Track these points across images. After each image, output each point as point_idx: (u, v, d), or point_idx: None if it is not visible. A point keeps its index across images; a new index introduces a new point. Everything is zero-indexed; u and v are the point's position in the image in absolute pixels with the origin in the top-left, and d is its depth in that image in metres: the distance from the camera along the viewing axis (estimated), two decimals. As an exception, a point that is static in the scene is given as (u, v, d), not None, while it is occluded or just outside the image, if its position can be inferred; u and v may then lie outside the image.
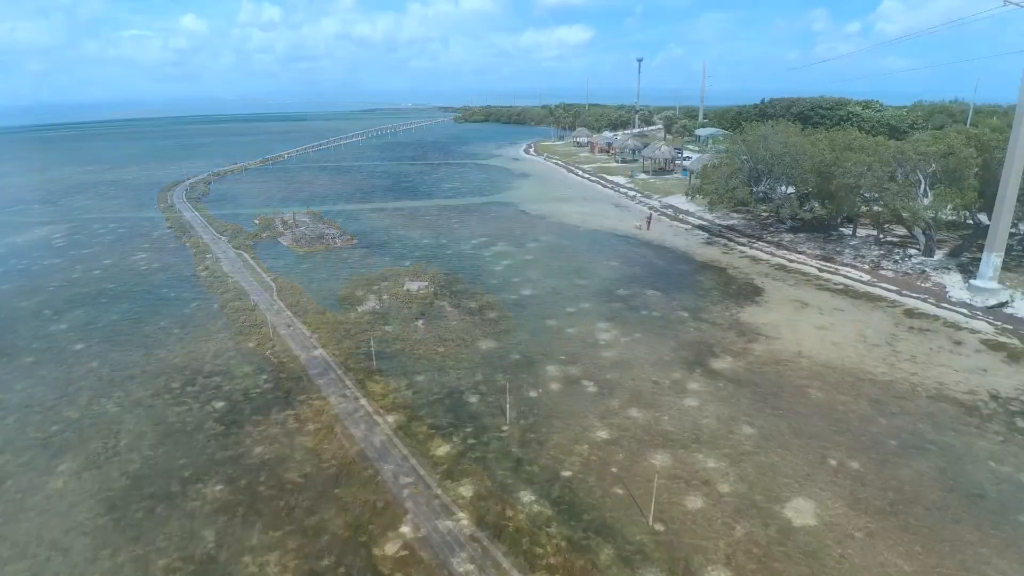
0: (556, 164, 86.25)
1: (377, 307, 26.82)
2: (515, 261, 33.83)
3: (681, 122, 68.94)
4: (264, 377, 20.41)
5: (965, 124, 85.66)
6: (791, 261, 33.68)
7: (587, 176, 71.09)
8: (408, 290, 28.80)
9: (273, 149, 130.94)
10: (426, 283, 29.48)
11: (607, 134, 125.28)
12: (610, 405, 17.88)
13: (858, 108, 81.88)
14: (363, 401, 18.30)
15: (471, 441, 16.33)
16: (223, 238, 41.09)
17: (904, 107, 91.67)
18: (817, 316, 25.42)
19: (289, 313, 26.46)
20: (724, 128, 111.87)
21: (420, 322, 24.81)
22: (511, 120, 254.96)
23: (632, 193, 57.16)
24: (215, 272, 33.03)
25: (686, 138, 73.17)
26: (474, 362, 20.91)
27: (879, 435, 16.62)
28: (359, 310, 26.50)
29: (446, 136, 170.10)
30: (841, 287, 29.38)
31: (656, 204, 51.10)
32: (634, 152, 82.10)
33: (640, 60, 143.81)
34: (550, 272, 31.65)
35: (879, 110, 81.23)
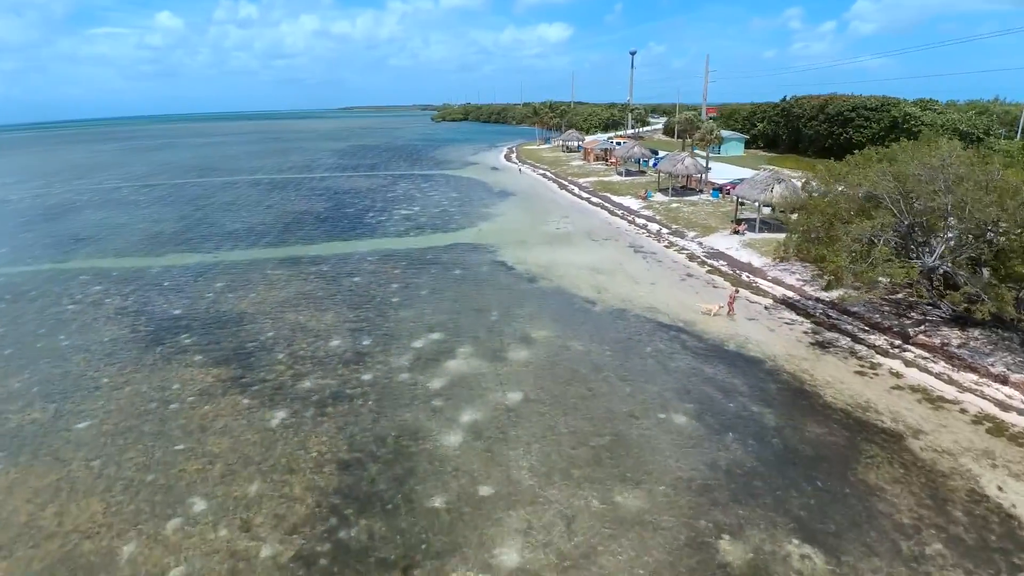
0: (544, 176, 70.28)
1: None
2: (487, 414, 17.62)
3: (707, 126, 53.19)
4: None
5: (1018, 129, 70.99)
6: (1004, 406, 17.91)
7: (586, 196, 55.11)
8: (250, 522, 12.51)
9: (236, 155, 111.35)
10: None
11: (601, 137, 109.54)
12: None
13: (913, 109, 66.85)
14: None
15: None
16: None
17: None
18: None
19: None
20: (735, 130, 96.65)
21: None
22: (491, 119, 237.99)
23: (654, 226, 41.28)
24: None
25: (709, 147, 57.61)
26: None
27: None
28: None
29: (419, 137, 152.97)
30: None
31: (695, 248, 35.25)
32: (640, 162, 66.35)
33: (633, 53, 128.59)
34: (558, 453, 15.54)
35: (940, 112, 66.20)
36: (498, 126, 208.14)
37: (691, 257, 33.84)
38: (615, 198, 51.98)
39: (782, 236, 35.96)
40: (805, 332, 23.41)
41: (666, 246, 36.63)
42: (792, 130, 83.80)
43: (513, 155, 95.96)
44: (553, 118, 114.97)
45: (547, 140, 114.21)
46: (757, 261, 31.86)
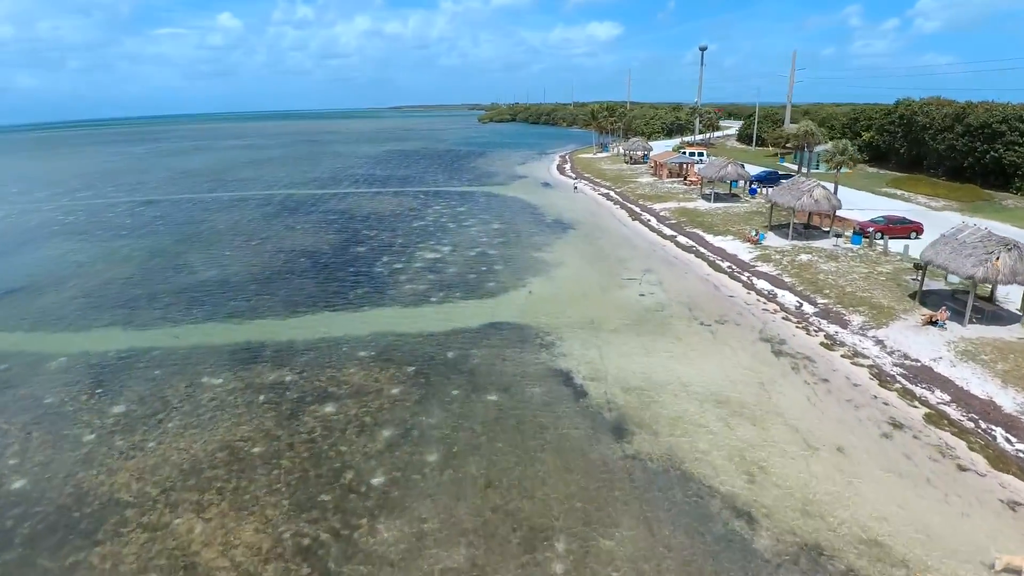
0: (607, 198, 57.41)
1: None
2: None
3: (840, 145, 39.33)
4: None
5: None
6: None
7: (669, 233, 41.98)
8: None
9: (263, 160, 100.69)
10: None
11: (667, 144, 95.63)
12: None
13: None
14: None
15: None
16: None
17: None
18: None
19: None
20: (830, 138, 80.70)
21: None
22: (540, 120, 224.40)
23: (788, 296, 27.99)
24: None
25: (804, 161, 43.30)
26: None
27: None
28: None
29: (463, 141, 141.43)
30: None
31: (876, 353, 21.82)
32: (734, 184, 52.56)
33: (704, 49, 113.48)
34: None
35: None
36: (547, 128, 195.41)
37: (880, 377, 20.42)
38: (712, 240, 38.65)
39: (1012, 334, 22.18)
40: None
41: (824, 344, 23.27)
42: (913, 142, 67.90)
43: (567, 166, 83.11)
44: (613, 122, 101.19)
45: (604, 147, 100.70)
46: (1004, 398, 18.25)
